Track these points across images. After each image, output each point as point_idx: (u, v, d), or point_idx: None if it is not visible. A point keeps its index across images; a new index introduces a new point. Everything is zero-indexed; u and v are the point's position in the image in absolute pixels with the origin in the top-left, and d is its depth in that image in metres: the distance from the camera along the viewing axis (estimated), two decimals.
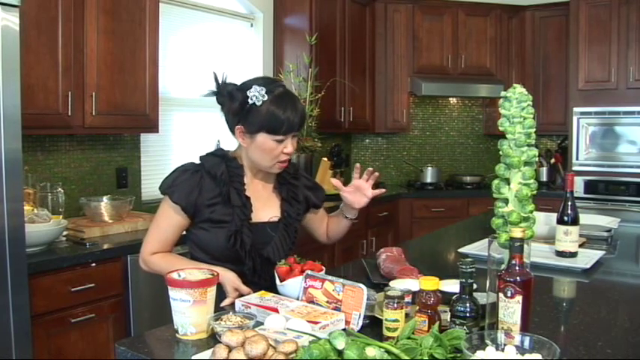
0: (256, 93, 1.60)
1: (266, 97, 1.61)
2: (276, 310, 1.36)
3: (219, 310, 1.41)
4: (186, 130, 3.65)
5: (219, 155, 1.71)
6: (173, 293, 1.31)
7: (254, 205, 1.69)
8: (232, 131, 1.70)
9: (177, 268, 1.45)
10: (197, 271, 1.40)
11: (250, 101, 1.61)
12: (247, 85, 1.64)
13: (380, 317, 1.29)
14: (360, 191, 1.79)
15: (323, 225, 1.99)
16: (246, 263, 1.65)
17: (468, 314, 1.24)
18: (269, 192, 1.78)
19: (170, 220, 1.67)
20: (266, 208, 1.74)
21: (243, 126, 1.65)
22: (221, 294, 1.53)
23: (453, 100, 5.40)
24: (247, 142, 1.66)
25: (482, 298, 1.30)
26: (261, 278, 1.67)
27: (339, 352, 1.08)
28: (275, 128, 1.61)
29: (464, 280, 1.26)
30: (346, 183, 1.82)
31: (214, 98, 1.68)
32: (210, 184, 1.65)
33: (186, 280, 1.34)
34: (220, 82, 1.66)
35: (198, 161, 1.72)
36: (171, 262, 1.62)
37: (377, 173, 1.80)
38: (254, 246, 1.67)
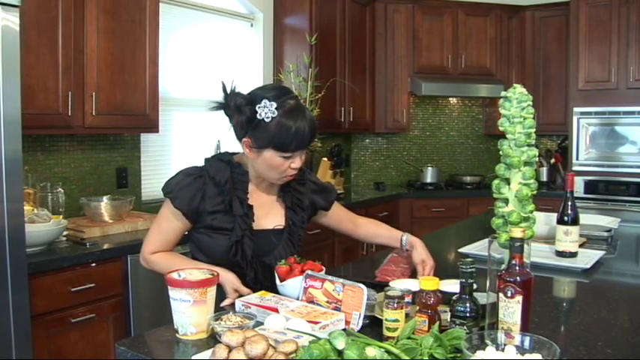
0: (266, 109, 1.53)
1: (275, 114, 1.53)
2: (276, 310, 1.36)
3: (219, 310, 1.41)
4: (186, 130, 3.65)
5: (224, 161, 1.67)
6: (173, 293, 1.31)
7: (258, 213, 1.66)
8: (239, 141, 1.64)
9: (177, 267, 1.45)
10: (197, 271, 1.40)
11: (259, 117, 1.54)
12: (257, 98, 1.56)
13: (380, 317, 1.29)
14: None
15: (343, 223, 1.97)
16: (247, 274, 1.64)
17: (468, 314, 1.24)
18: (273, 199, 1.74)
19: (171, 223, 1.65)
20: (270, 215, 1.72)
21: (250, 139, 1.58)
22: (221, 294, 1.53)
23: (453, 100, 5.40)
24: (254, 155, 1.60)
25: (482, 298, 1.30)
26: (263, 286, 1.64)
27: (339, 352, 1.08)
28: (284, 146, 1.55)
29: (464, 280, 1.26)
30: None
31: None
32: (213, 191, 1.62)
33: (186, 280, 1.34)
34: (229, 92, 1.58)
35: (202, 163, 1.68)
36: (171, 261, 1.62)
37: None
38: (256, 254, 1.66)
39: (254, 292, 1.54)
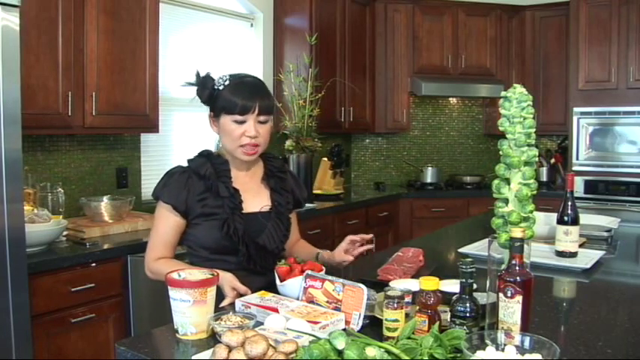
0: (221, 80, 1.70)
1: (228, 82, 1.69)
2: (276, 310, 1.36)
3: (219, 310, 1.41)
4: (186, 130, 3.65)
5: (204, 155, 1.77)
6: (173, 293, 1.31)
7: (244, 197, 1.72)
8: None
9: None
10: (197, 271, 1.40)
11: (215, 87, 1.70)
12: (219, 76, 1.73)
13: (380, 317, 1.29)
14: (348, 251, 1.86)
15: (293, 233, 1.92)
16: (240, 249, 1.68)
17: (468, 314, 1.24)
18: (257, 184, 1.81)
19: (166, 221, 1.71)
20: (256, 199, 1.77)
21: (212, 112, 1.74)
22: (221, 294, 1.54)
23: (453, 100, 5.40)
24: (217, 128, 1.74)
25: (482, 298, 1.30)
26: (257, 265, 1.71)
27: (339, 352, 1.08)
28: (230, 108, 1.67)
29: (464, 280, 1.26)
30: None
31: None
32: (198, 183, 1.70)
33: (186, 280, 1.34)
34: (201, 76, 1.73)
35: (186, 164, 1.77)
36: (173, 267, 1.63)
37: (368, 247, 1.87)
38: (247, 234, 1.69)
39: (251, 287, 1.56)
